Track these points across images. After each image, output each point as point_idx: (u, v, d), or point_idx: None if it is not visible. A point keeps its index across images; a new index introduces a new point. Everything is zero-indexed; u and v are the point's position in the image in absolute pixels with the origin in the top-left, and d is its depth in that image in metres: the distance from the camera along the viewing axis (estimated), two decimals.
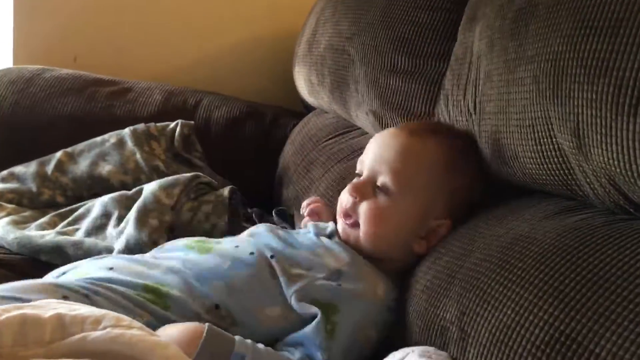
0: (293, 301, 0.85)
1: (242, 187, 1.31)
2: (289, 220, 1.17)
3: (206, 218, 1.20)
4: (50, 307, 0.55)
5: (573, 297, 0.65)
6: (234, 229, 1.14)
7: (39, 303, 0.58)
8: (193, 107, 1.55)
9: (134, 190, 1.25)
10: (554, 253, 0.71)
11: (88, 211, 1.24)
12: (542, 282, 0.69)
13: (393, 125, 1.13)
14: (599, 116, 0.68)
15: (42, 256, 1.12)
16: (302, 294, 0.85)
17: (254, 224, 1.14)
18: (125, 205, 1.21)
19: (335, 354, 0.82)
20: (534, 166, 0.81)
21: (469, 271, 0.79)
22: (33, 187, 1.32)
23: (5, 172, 1.35)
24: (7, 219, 1.21)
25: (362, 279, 0.89)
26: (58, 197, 1.32)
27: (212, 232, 1.18)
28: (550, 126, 0.76)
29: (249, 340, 0.79)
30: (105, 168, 1.34)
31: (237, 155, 1.51)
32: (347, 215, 0.95)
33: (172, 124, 1.44)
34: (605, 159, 0.68)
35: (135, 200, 1.20)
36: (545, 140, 0.77)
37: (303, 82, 1.52)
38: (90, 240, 1.14)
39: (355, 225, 0.94)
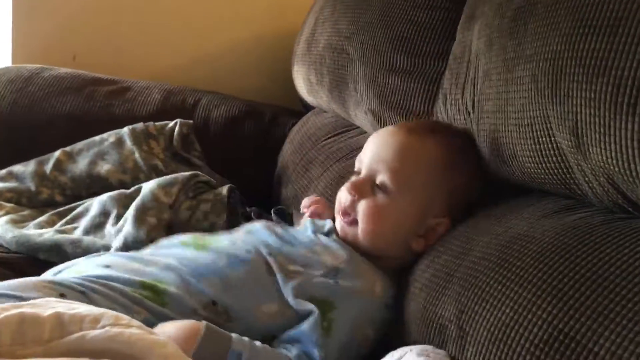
0: (290, 298, 0.85)
1: (241, 186, 1.31)
2: (288, 219, 1.17)
3: (205, 217, 1.20)
4: (49, 306, 0.55)
5: (572, 296, 0.65)
6: (232, 228, 1.14)
7: (38, 302, 0.58)
8: (192, 106, 1.55)
9: (132, 188, 1.25)
10: (553, 252, 0.71)
11: (86, 210, 1.24)
12: (540, 280, 0.69)
13: (392, 125, 1.13)
14: (598, 115, 0.68)
15: (40, 255, 1.12)
16: (299, 290, 0.85)
17: None
18: (123, 204, 1.21)
19: (331, 351, 0.82)
20: (532, 165, 0.81)
21: (468, 270, 0.79)
22: (32, 186, 1.31)
23: (3, 171, 1.35)
24: (5, 218, 1.21)
25: (360, 276, 0.90)
26: (57, 196, 1.32)
27: (211, 231, 1.17)
28: (548, 125, 0.76)
29: (246, 338, 0.79)
30: (104, 167, 1.33)
31: (236, 154, 1.51)
32: (345, 213, 0.95)
33: (171, 123, 1.44)
34: (604, 158, 0.68)
35: (133, 199, 1.20)
36: (543, 139, 0.77)
37: (302, 82, 1.52)
38: (89, 239, 1.14)
39: (354, 223, 0.94)
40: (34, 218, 1.24)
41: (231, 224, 1.17)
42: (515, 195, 0.89)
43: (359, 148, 1.02)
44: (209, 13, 1.80)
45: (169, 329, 0.75)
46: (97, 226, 1.19)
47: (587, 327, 0.62)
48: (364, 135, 1.29)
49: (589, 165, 0.72)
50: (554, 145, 0.76)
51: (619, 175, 0.68)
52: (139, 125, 1.40)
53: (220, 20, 1.82)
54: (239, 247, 0.91)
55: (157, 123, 1.43)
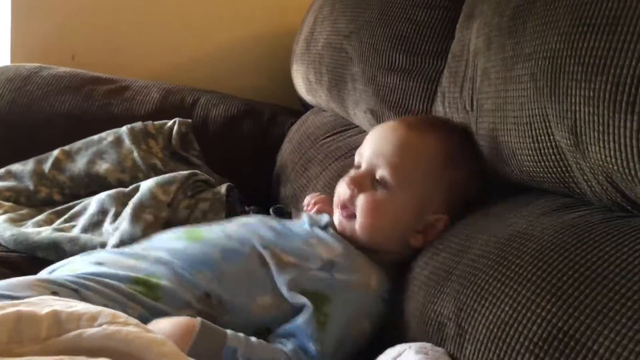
0: (284, 290, 0.85)
1: (240, 186, 1.31)
2: (287, 218, 1.17)
3: (203, 215, 1.20)
4: (46, 304, 0.55)
5: (571, 294, 0.65)
6: None
7: (35, 300, 0.58)
8: (191, 106, 1.55)
9: (131, 187, 1.25)
10: (552, 250, 0.71)
11: (84, 208, 1.24)
12: (539, 279, 0.69)
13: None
14: (597, 114, 0.68)
15: (38, 253, 1.12)
16: (293, 283, 0.85)
17: None
18: (122, 202, 1.21)
19: (327, 345, 0.82)
20: (531, 164, 0.81)
21: (467, 267, 0.79)
22: (30, 185, 1.31)
23: (2, 170, 1.35)
24: (4, 217, 1.21)
25: (356, 270, 0.90)
26: (55, 195, 1.32)
27: None
28: (547, 124, 0.76)
29: (241, 334, 0.79)
30: (102, 166, 1.33)
31: (235, 154, 1.51)
32: (344, 207, 0.95)
33: (170, 122, 1.43)
34: (603, 157, 0.68)
35: (132, 197, 1.20)
36: (542, 137, 0.77)
37: (301, 81, 1.52)
38: (86, 236, 1.14)
39: (352, 216, 0.94)
40: (32, 217, 1.24)
41: None
42: (514, 194, 0.89)
43: (358, 147, 1.02)
44: (207, 12, 1.80)
45: (164, 326, 0.75)
46: (95, 224, 1.19)
47: (586, 326, 0.62)
48: (363, 134, 1.29)
49: (588, 164, 0.72)
50: (553, 143, 0.76)
51: (617, 173, 0.68)
52: (138, 125, 1.40)
53: (219, 20, 1.82)
54: (232, 239, 0.91)
55: (155, 122, 1.43)
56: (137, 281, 0.83)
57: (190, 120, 1.46)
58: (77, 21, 1.70)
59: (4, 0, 1.63)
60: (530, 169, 0.82)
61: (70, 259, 0.92)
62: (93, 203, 1.24)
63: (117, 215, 1.18)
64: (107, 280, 0.82)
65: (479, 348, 0.71)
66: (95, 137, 1.38)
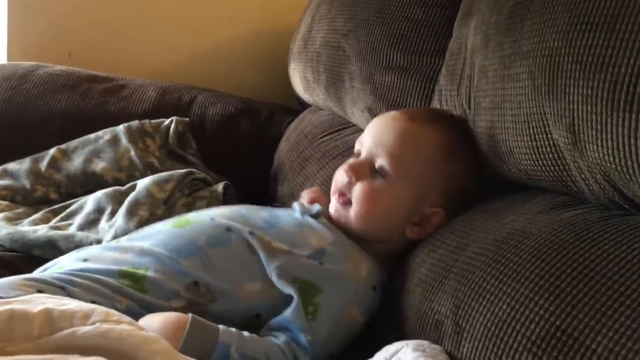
0: (274, 277, 0.85)
1: (237, 184, 1.31)
2: None
3: None
4: (38, 302, 0.55)
5: (569, 293, 0.65)
6: None
7: (27, 298, 0.57)
8: (188, 104, 1.55)
9: (127, 185, 1.25)
10: (550, 248, 0.71)
11: (81, 207, 1.24)
12: (537, 277, 0.69)
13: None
14: (595, 112, 0.68)
15: (34, 251, 1.12)
16: (282, 270, 0.85)
17: None
18: (118, 200, 1.21)
19: (318, 335, 0.82)
20: (529, 162, 0.81)
21: (464, 265, 0.79)
22: (26, 184, 1.31)
23: None
24: (0, 216, 1.20)
25: (346, 259, 0.89)
26: (52, 194, 1.32)
27: None
28: (545, 122, 0.76)
29: (233, 329, 0.79)
30: (99, 165, 1.33)
31: (232, 152, 1.51)
32: (341, 193, 0.95)
33: (167, 121, 1.43)
34: (601, 155, 0.68)
35: (128, 195, 1.19)
36: (540, 136, 0.77)
37: (298, 79, 1.52)
38: (82, 234, 1.14)
39: (348, 203, 0.94)
40: (28, 215, 1.24)
41: None
42: (512, 192, 0.89)
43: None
44: (205, 10, 1.80)
45: (154, 322, 0.75)
46: (91, 223, 1.19)
47: (584, 324, 0.61)
48: (360, 133, 1.28)
49: (586, 163, 0.71)
50: (551, 142, 0.76)
51: (615, 172, 0.68)
52: (135, 123, 1.40)
53: (216, 18, 1.82)
54: (219, 224, 0.90)
55: (152, 121, 1.42)
56: (123, 274, 0.83)
57: (187, 118, 1.46)
58: (74, 19, 1.70)
59: None
60: (528, 167, 0.82)
61: (60, 258, 0.91)
62: (89, 201, 1.24)
63: (113, 214, 1.18)
64: (93, 275, 0.81)
65: (477, 346, 0.71)
66: (92, 135, 1.38)
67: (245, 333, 0.79)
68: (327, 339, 0.83)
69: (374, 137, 0.96)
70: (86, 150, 1.35)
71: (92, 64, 1.62)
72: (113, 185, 1.28)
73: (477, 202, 0.92)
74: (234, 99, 1.60)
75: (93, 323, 0.53)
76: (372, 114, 1.20)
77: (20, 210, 1.27)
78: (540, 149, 0.78)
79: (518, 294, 0.69)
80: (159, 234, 0.90)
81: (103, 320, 0.53)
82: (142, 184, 1.21)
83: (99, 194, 1.24)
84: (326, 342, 0.83)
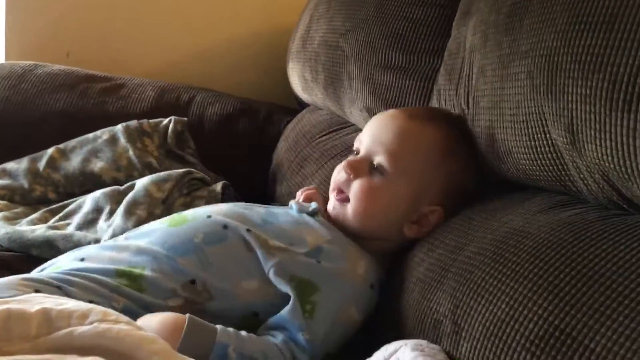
0: (271, 275, 0.85)
1: (236, 184, 1.31)
2: None
3: None
4: (36, 302, 0.54)
5: (568, 292, 0.65)
6: None
7: (25, 297, 0.57)
8: (186, 104, 1.55)
9: (126, 185, 1.25)
10: (549, 247, 0.70)
11: (79, 207, 1.24)
12: (536, 276, 0.69)
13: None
14: (593, 112, 0.67)
15: (32, 251, 1.12)
16: (280, 267, 0.85)
17: None
18: (116, 200, 1.20)
19: (316, 334, 0.82)
20: (527, 162, 0.81)
21: (463, 264, 0.79)
22: (25, 184, 1.31)
23: None
24: None
25: (343, 257, 0.89)
26: (50, 194, 1.32)
27: None
28: (544, 122, 0.76)
29: (231, 329, 0.79)
30: (97, 165, 1.33)
31: (231, 152, 1.51)
32: (339, 191, 0.95)
33: (165, 121, 1.43)
34: (599, 155, 0.68)
35: (127, 195, 1.19)
36: (539, 135, 0.77)
37: (297, 79, 1.52)
38: (80, 234, 1.14)
39: (346, 200, 0.94)
40: (26, 215, 1.24)
41: None
42: (510, 191, 0.89)
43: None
44: (203, 10, 1.80)
45: (153, 324, 0.75)
46: (89, 222, 1.19)
47: (582, 324, 0.61)
48: (358, 132, 1.28)
49: (584, 162, 0.71)
50: (549, 141, 0.76)
51: (614, 172, 0.68)
52: (133, 123, 1.40)
53: (215, 18, 1.82)
54: (216, 222, 0.90)
55: (151, 120, 1.42)
56: (120, 273, 0.83)
57: (185, 118, 1.46)
58: (72, 18, 1.70)
59: None
60: (527, 166, 0.81)
61: (57, 258, 0.91)
62: (88, 201, 1.23)
63: (111, 213, 1.18)
64: (90, 274, 0.81)
65: (475, 345, 0.70)
66: (90, 135, 1.38)
67: (243, 333, 0.79)
68: (325, 337, 0.83)
69: (372, 135, 0.96)
70: (84, 150, 1.35)
71: (90, 64, 1.62)
72: (111, 185, 1.28)
73: (476, 201, 0.92)
74: (233, 99, 1.60)
75: (91, 323, 0.53)
76: (371, 113, 1.20)
77: (19, 209, 1.26)
78: (538, 149, 0.78)
79: (517, 294, 0.69)
80: (155, 232, 0.90)
81: (101, 320, 0.53)
82: (141, 183, 1.21)
83: (97, 193, 1.23)
84: (324, 341, 0.83)
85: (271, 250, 0.86)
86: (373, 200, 0.92)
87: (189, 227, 0.90)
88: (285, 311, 0.82)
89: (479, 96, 0.89)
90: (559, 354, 0.62)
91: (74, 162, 1.33)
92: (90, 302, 0.69)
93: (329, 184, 1.01)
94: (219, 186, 1.25)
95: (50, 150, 1.35)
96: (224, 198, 1.23)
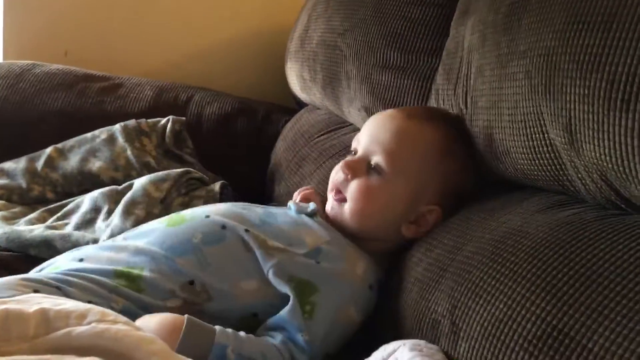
0: (270, 275, 0.84)
1: (234, 184, 1.31)
2: None
3: None
4: (34, 302, 0.54)
5: (566, 292, 0.65)
6: None
7: (23, 298, 0.57)
8: (184, 103, 1.54)
9: (124, 185, 1.24)
10: (547, 247, 0.70)
11: (77, 206, 1.23)
12: (534, 276, 0.69)
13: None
14: (591, 112, 0.68)
15: (30, 250, 1.12)
16: (279, 268, 0.85)
17: None
18: (115, 200, 1.20)
19: (316, 334, 0.82)
20: (525, 162, 0.81)
21: (461, 264, 0.79)
22: (23, 183, 1.31)
23: None
24: None
25: (342, 258, 0.89)
26: (48, 193, 1.32)
27: None
28: (542, 121, 0.76)
29: (229, 329, 0.78)
30: (95, 164, 1.33)
31: (229, 152, 1.51)
32: (337, 191, 0.96)
33: (163, 120, 1.43)
34: (597, 155, 0.68)
35: (125, 195, 1.19)
36: (537, 135, 0.77)
37: (295, 78, 1.52)
38: (78, 233, 1.14)
39: (344, 200, 0.94)
40: (25, 215, 1.24)
41: None
42: (508, 191, 0.89)
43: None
44: (201, 10, 1.80)
45: (151, 324, 0.75)
46: (88, 222, 1.19)
47: (580, 323, 0.61)
48: (357, 132, 1.28)
49: (582, 162, 0.71)
50: (548, 141, 0.76)
51: (612, 172, 0.68)
52: (131, 122, 1.40)
53: (213, 17, 1.81)
54: (214, 222, 0.90)
55: (149, 120, 1.42)
56: (118, 274, 0.83)
57: (184, 118, 1.46)
58: (70, 18, 1.69)
59: None
60: (525, 166, 0.82)
61: (55, 258, 0.91)
62: (86, 201, 1.23)
63: (110, 213, 1.18)
64: (89, 275, 0.81)
65: (473, 345, 0.71)
66: (89, 134, 1.37)
67: (242, 333, 0.79)
68: (324, 338, 0.83)
69: (370, 135, 0.96)
70: (82, 150, 1.35)
71: (88, 63, 1.62)
72: (109, 185, 1.28)
73: (474, 201, 0.92)
74: (231, 98, 1.60)
75: (89, 323, 0.53)
76: (369, 113, 1.20)
77: (17, 209, 1.26)
78: (537, 149, 0.78)
79: (515, 294, 0.69)
80: (154, 232, 0.90)
81: (99, 320, 0.53)
82: (139, 183, 1.21)
83: (96, 193, 1.23)
84: (323, 342, 0.83)
85: (270, 251, 0.86)
86: (370, 200, 0.92)
87: (187, 227, 0.90)
88: (284, 312, 0.82)
89: (477, 96, 0.89)
90: (557, 354, 0.62)
91: (72, 162, 1.33)
92: (89, 302, 0.69)
93: (327, 183, 1.01)
94: (217, 186, 1.25)
95: (48, 150, 1.35)
96: (222, 198, 1.23)
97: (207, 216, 0.91)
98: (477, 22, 0.91)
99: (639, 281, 0.61)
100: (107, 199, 1.21)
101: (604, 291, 0.62)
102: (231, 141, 1.52)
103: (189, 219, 0.92)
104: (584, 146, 0.70)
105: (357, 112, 1.25)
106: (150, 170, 1.31)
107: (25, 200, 1.30)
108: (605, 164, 0.68)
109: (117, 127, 1.38)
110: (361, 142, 0.96)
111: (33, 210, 1.25)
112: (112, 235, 1.09)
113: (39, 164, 1.33)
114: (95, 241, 1.11)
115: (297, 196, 1.08)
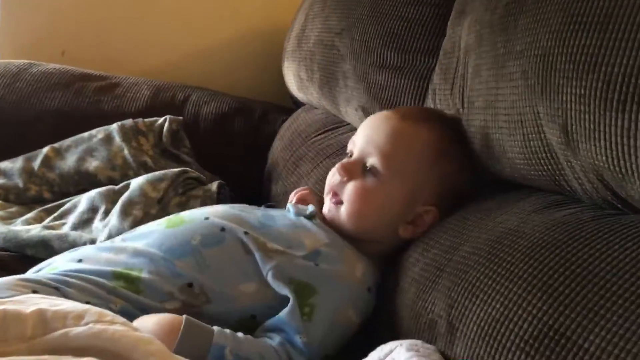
0: (270, 277, 0.84)
1: (231, 183, 1.31)
2: None
3: None
4: (31, 302, 0.54)
5: (562, 292, 0.65)
6: None
7: (20, 298, 0.57)
8: (181, 103, 1.55)
9: (121, 184, 1.24)
10: (543, 247, 0.71)
11: (74, 206, 1.23)
12: (531, 276, 0.69)
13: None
14: (588, 112, 0.68)
15: (27, 250, 1.12)
16: (278, 270, 0.85)
17: None
18: (112, 200, 1.20)
19: (314, 336, 0.82)
20: (522, 162, 0.81)
21: (458, 264, 0.79)
22: (20, 183, 1.31)
23: None
24: None
25: (341, 260, 0.89)
26: (45, 193, 1.31)
27: None
28: (539, 122, 0.76)
29: (227, 330, 0.78)
30: (92, 164, 1.33)
31: (226, 151, 1.51)
32: (334, 193, 0.96)
33: (161, 120, 1.43)
34: (594, 155, 0.68)
35: (122, 195, 1.19)
36: (533, 135, 0.77)
37: (292, 78, 1.52)
38: (76, 234, 1.14)
39: (340, 203, 0.94)
40: (21, 215, 1.24)
41: None
42: (505, 191, 0.89)
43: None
44: (199, 9, 1.80)
45: (148, 324, 0.75)
46: (85, 222, 1.19)
47: (577, 323, 0.62)
48: (354, 132, 1.28)
49: (579, 162, 0.72)
50: (544, 141, 0.76)
51: (608, 172, 0.68)
52: (128, 122, 1.40)
53: (211, 17, 1.81)
54: (214, 224, 0.90)
55: (146, 119, 1.42)
56: (117, 275, 0.82)
57: (181, 117, 1.46)
58: (67, 17, 1.69)
59: None
60: (521, 166, 0.82)
61: (54, 258, 0.91)
62: (83, 201, 1.23)
63: (107, 213, 1.18)
64: (87, 276, 0.81)
65: (470, 345, 0.71)
66: (85, 134, 1.37)
67: (240, 334, 0.79)
68: (323, 340, 0.83)
69: (365, 137, 0.96)
70: (79, 149, 1.35)
71: (85, 62, 1.62)
72: (107, 184, 1.28)
73: (470, 201, 0.92)
74: (228, 98, 1.60)
75: (86, 324, 0.53)
76: (366, 112, 1.20)
77: (14, 209, 1.26)
78: (533, 149, 0.78)
79: (511, 294, 0.69)
80: (153, 233, 0.90)
81: (96, 321, 0.53)
82: (136, 183, 1.21)
83: (93, 193, 1.23)
84: (321, 343, 0.83)
85: (269, 253, 0.86)
86: (367, 202, 0.92)
87: (186, 228, 0.89)
88: (283, 313, 0.82)
89: (473, 96, 0.89)
90: (554, 354, 0.62)
91: (69, 161, 1.33)
92: (88, 303, 0.69)
93: (324, 183, 1.01)
94: (214, 185, 1.25)
95: (45, 150, 1.35)
96: (219, 197, 1.23)
97: (206, 218, 0.91)
98: (473, 22, 0.91)
99: (635, 281, 0.61)
100: (104, 199, 1.21)
101: (600, 291, 0.62)
102: (228, 141, 1.52)
103: (187, 221, 0.91)
104: (580, 146, 0.70)
105: (354, 111, 1.25)
106: (148, 169, 1.31)
107: (22, 200, 1.30)
108: (601, 163, 0.68)
109: (114, 126, 1.38)
110: (357, 144, 0.96)
111: (30, 210, 1.25)
112: (110, 236, 1.09)
113: (36, 164, 1.33)
114: (93, 241, 1.11)
115: (293, 197, 1.08)
